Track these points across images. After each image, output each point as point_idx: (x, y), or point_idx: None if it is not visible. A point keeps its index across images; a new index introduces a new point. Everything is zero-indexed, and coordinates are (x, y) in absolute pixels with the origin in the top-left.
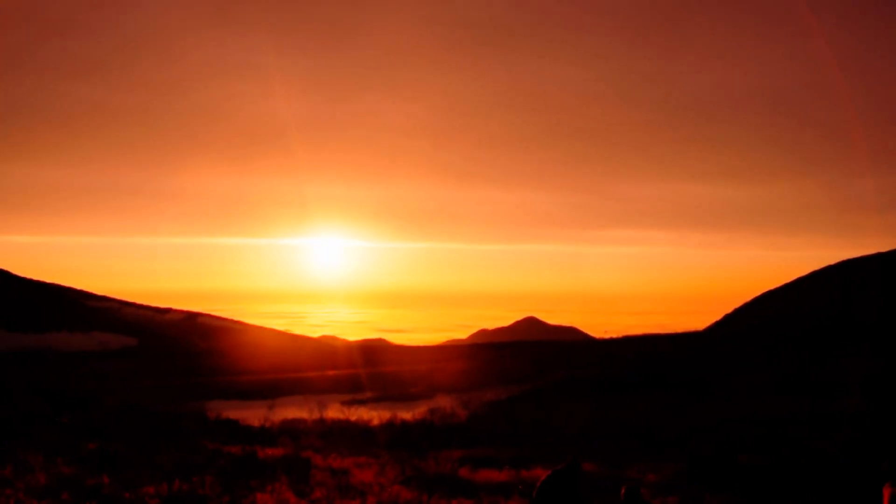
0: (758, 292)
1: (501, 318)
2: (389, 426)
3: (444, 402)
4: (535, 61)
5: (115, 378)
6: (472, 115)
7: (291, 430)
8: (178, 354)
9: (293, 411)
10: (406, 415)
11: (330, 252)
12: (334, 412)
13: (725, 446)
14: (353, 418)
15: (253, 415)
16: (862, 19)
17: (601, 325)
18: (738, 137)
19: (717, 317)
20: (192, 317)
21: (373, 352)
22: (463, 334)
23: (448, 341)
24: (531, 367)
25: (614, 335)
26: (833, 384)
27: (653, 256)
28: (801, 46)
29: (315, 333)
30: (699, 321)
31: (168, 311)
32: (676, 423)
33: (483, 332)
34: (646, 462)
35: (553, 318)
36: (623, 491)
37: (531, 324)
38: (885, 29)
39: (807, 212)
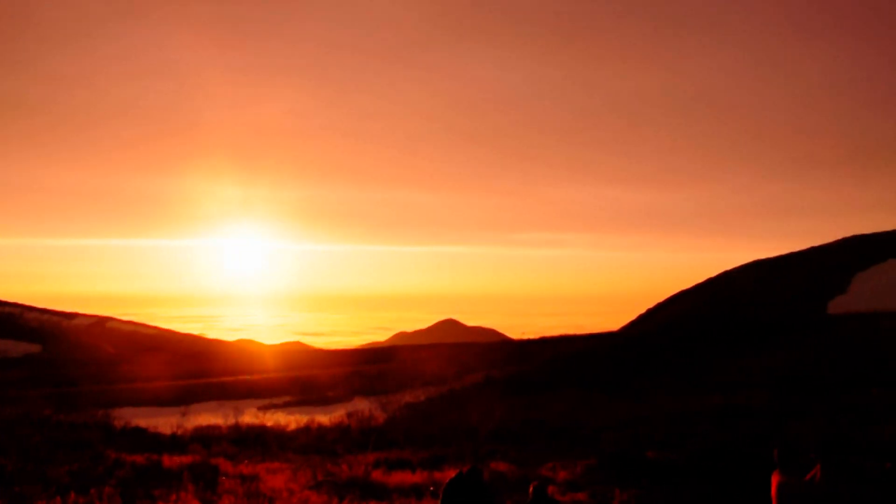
0: (670, 293)
1: (420, 320)
2: (305, 430)
3: (362, 405)
4: (458, 65)
5: (16, 387)
6: (394, 117)
7: (204, 437)
8: (85, 361)
9: (207, 417)
10: (323, 419)
11: (247, 254)
12: (250, 417)
13: (635, 442)
14: (268, 423)
15: (164, 422)
16: (773, 31)
17: (519, 326)
18: (654, 143)
19: (632, 317)
20: (100, 321)
21: (291, 355)
22: (382, 337)
23: (367, 344)
24: (449, 369)
25: (531, 336)
26: (738, 380)
27: (570, 258)
28: (714, 56)
29: (231, 337)
30: (614, 321)
31: (75, 315)
32: (589, 421)
33: (402, 335)
34: (558, 460)
35: (471, 320)
36: (531, 489)
37: (450, 325)
38: (795, 41)
39: (718, 215)
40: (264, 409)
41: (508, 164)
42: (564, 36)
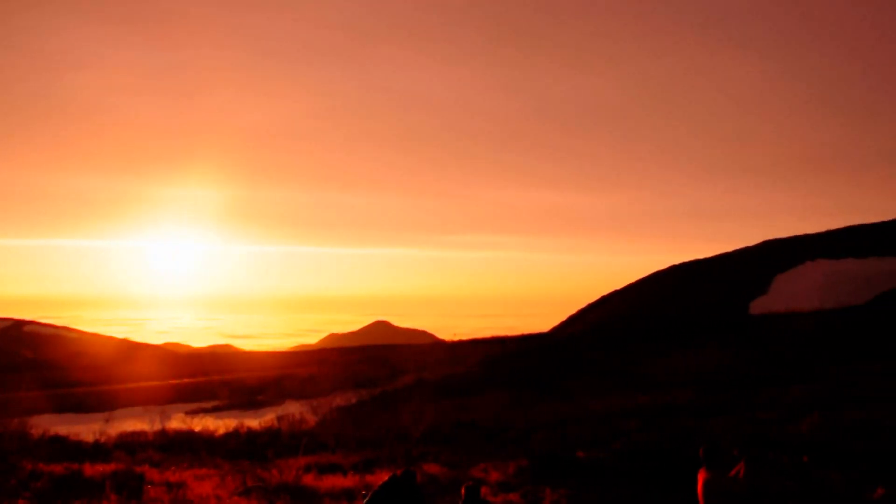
0: (599, 294)
1: (351, 322)
2: (234, 435)
3: (293, 408)
4: (395, 66)
5: None
6: (327, 118)
7: (129, 444)
8: (1, 366)
9: (132, 423)
10: (253, 423)
11: (175, 255)
12: (177, 423)
13: (565, 442)
14: (197, 428)
15: (86, 429)
16: (701, 41)
17: (450, 328)
18: (585, 148)
19: (562, 318)
20: (18, 325)
21: (219, 358)
22: (313, 339)
23: (298, 346)
24: (381, 371)
25: (463, 337)
26: (665, 379)
27: (502, 260)
28: (643, 64)
29: (158, 340)
30: (545, 323)
31: None
32: (520, 422)
33: (333, 337)
34: (490, 461)
35: (403, 322)
36: (463, 491)
37: (381, 327)
38: (721, 51)
39: (645, 218)
40: (192, 413)
41: (440, 166)
42: (501, 41)
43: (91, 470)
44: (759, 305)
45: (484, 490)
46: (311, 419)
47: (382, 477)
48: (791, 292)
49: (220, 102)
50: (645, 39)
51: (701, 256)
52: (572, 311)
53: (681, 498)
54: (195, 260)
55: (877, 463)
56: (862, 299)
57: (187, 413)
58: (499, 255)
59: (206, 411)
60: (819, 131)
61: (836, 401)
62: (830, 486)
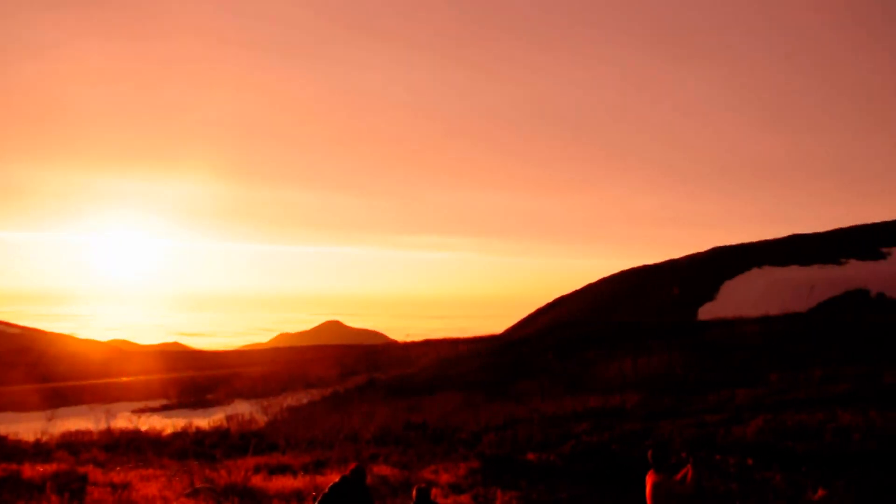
0: (552, 298)
1: (303, 321)
2: (182, 435)
3: (243, 407)
4: (348, 66)
5: None
6: (281, 115)
7: (72, 444)
8: None
9: (76, 422)
10: (202, 422)
11: (123, 250)
12: (123, 422)
13: (516, 444)
14: (143, 428)
15: (27, 428)
16: (653, 52)
17: (403, 329)
18: (539, 152)
19: (514, 321)
20: None
21: (168, 356)
22: (264, 338)
23: (248, 345)
24: (333, 371)
25: (415, 338)
26: (615, 382)
27: (456, 262)
28: (599, 71)
29: (105, 337)
30: (497, 325)
31: None
32: (472, 424)
33: (284, 336)
34: (441, 462)
35: (355, 322)
36: (414, 492)
37: (333, 327)
38: (672, 62)
39: (597, 223)
40: (139, 412)
41: (396, 166)
42: (459, 44)
43: (31, 471)
44: (707, 311)
45: (435, 492)
46: (261, 419)
47: (333, 478)
48: (738, 298)
49: (174, 99)
50: (602, 48)
51: (651, 262)
52: (525, 313)
53: (630, 499)
54: (146, 256)
55: (817, 464)
56: (805, 306)
57: (134, 412)
58: (452, 256)
59: (153, 410)
60: (768, 143)
61: (780, 405)
62: (773, 487)
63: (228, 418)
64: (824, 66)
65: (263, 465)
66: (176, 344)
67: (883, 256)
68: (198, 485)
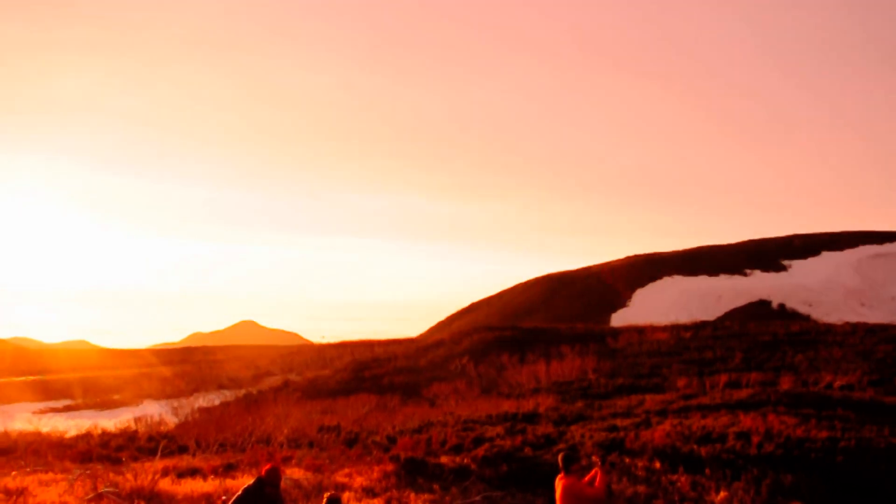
0: (468, 302)
1: (217, 320)
2: (87, 437)
3: (152, 409)
4: (267, 64)
5: None
6: (192, 109)
7: None
8: None
9: None
10: (108, 424)
11: (26, 242)
12: (22, 424)
13: (429, 447)
14: (44, 430)
15: None
16: (586, 58)
17: (319, 330)
18: (457, 156)
19: (430, 324)
20: None
21: (74, 355)
22: (176, 337)
23: (160, 344)
24: (246, 372)
25: (331, 340)
26: (528, 386)
27: (373, 264)
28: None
29: (3, 334)
30: (413, 328)
31: None
32: (386, 427)
33: (197, 335)
34: (354, 466)
35: (271, 322)
36: (325, 499)
37: (248, 327)
38: (586, 67)
39: (513, 229)
40: (40, 413)
41: (314, 166)
42: (370, 45)
43: None
44: (620, 317)
45: (348, 495)
46: (171, 421)
47: (243, 481)
48: (650, 306)
49: (86, 85)
50: (519, 52)
51: (566, 269)
52: (441, 317)
53: (541, 502)
54: (50, 249)
55: (720, 466)
56: (712, 315)
57: (34, 413)
58: (370, 258)
59: (56, 411)
60: (680, 156)
61: (686, 409)
62: (679, 490)
63: (136, 420)
64: (736, 84)
65: (172, 468)
66: (82, 342)
67: (784, 269)
68: (101, 489)
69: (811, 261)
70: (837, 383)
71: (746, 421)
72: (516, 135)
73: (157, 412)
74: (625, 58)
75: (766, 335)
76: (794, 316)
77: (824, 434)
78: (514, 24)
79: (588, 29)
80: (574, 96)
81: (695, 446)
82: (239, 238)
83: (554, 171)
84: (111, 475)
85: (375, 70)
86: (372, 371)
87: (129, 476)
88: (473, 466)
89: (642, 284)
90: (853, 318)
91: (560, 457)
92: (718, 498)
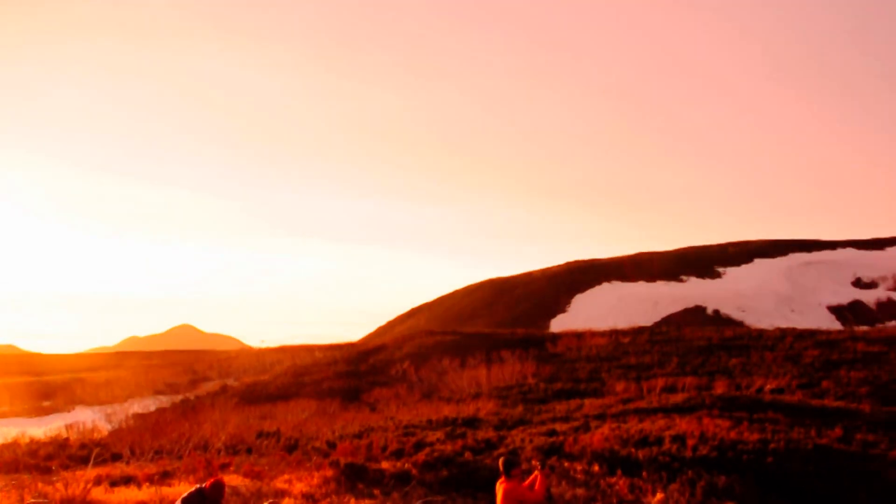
0: (408, 307)
1: (154, 324)
2: (14, 446)
3: (85, 415)
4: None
5: None
6: (126, 107)
7: None
8: None
9: None
10: (37, 432)
11: None
12: None
13: (371, 453)
14: None
15: None
16: (506, 62)
17: (259, 334)
18: (397, 160)
19: (371, 329)
20: None
21: (1, 360)
22: (110, 341)
23: (93, 349)
24: (184, 377)
25: (271, 345)
26: (469, 391)
27: (314, 269)
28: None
29: None
30: (354, 333)
31: None
32: (326, 432)
33: (133, 340)
34: (294, 471)
35: (209, 326)
36: None
37: (185, 331)
38: (527, 73)
39: (456, 234)
40: None
41: (251, 166)
42: (319, 46)
43: None
44: (559, 323)
45: (286, 502)
46: (105, 428)
47: (181, 489)
48: (588, 311)
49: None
50: (460, 60)
51: (506, 275)
52: (382, 322)
53: None
54: None
55: (657, 469)
56: (650, 320)
57: None
58: (309, 262)
59: None
60: (622, 165)
61: (624, 413)
62: (617, 492)
63: (68, 427)
64: (676, 96)
65: (105, 477)
66: (10, 347)
67: (719, 276)
68: (28, 500)
69: (744, 268)
70: (768, 387)
71: (682, 424)
72: (460, 140)
73: (89, 419)
74: (568, 68)
75: (701, 340)
76: (728, 321)
77: (756, 436)
78: (457, 25)
79: (532, 38)
80: (518, 104)
81: (632, 449)
82: (176, 240)
83: (496, 178)
84: (40, 485)
85: (313, 71)
86: (312, 376)
87: (60, 486)
88: (414, 471)
89: (581, 290)
90: (784, 324)
91: (500, 461)
92: (655, 500)
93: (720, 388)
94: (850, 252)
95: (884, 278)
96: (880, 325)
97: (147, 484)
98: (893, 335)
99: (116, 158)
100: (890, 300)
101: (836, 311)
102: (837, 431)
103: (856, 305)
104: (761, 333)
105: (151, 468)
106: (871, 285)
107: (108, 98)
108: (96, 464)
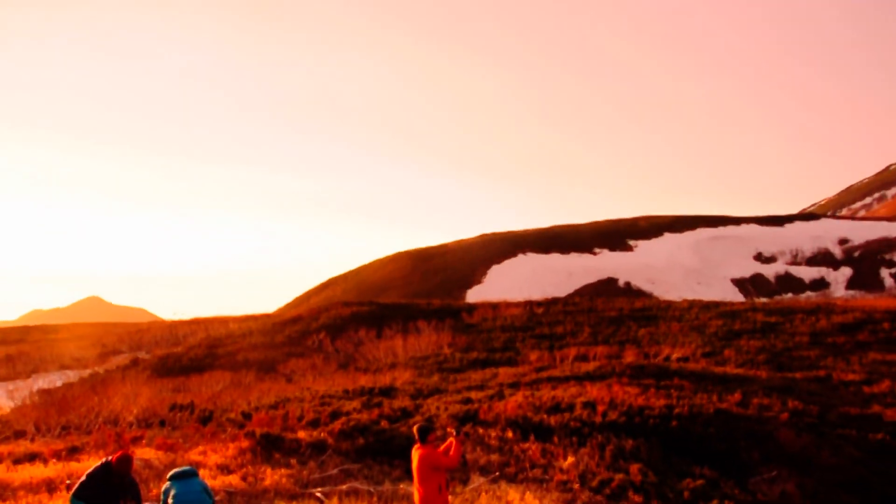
0: (323, 278)
1: (59, 297)
2: None
3: None
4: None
5: None
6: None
7: None
8: None
9: None
10: None
11: None
12: None
13: (287, 423)
14: None
15: None
16: (451, 44)
17: (171, 306)
18: (315, 131)
19: (287, 300)
20: None
21: None
22: (12, 314)
23: None
24: (92, 351)
25: (183, 317)
26: (385, 361)
27: (228, 240)
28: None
29: None
30: (269, 304)
31: None
32: (242, 403)
33: (37, 313)
34: (209, 443)
35: (119, 298)
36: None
37: (94, 304)
38: (450, 50)
39: (368, 206)
40: None
41: (170, 137)
42: (258, 40)
43: None
44: (475, 293)
45: (201, 474)
46: (7, 405)
47: (90, 464)
48: (504, 283)
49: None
50: (390, 39)
51: (423, 245)
52: (298, 293)
53: (397, 473)
54: None
55: (568, 434)
56: (564, 291)
57: None
58: (224, 233)
59: None
60: (539, 140)
61: (538, 382)
62: (530, 458)
63: None
64: (594, 73)
65: (7, 455)
66: None
67: (630, 249)
68: None
69: (654, 241)
70: (675, 355)
71: (593, 391)
72: (379, 111)
73: None
74: (485, 46)
75: (612, 311)
76: (639, 293)
77: (662, 402)
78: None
79: (459, 15)
80: (437, 77)
81: (545, 416)
82: (83, 210)
83: (415, 149)
84: None
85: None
86: (226, 348)
87: None
88: (331, 440)
89: (498, 262)
90: (691, 296)
91: (416, 428)
92: (566, 464)
93: (630, 356)
94: (753, 228)
95: (782, 253)
96: (778, 297)
97: (54, 460)
98: (789, 306)
99: (18, 121)
100: (788, 274)
101: (739, 283)
102: (737, 396)
103: (757, 278)
104: (669, 305)
105: (58, 444)
106: (771, 259)
107: (53, 81)
108: None
